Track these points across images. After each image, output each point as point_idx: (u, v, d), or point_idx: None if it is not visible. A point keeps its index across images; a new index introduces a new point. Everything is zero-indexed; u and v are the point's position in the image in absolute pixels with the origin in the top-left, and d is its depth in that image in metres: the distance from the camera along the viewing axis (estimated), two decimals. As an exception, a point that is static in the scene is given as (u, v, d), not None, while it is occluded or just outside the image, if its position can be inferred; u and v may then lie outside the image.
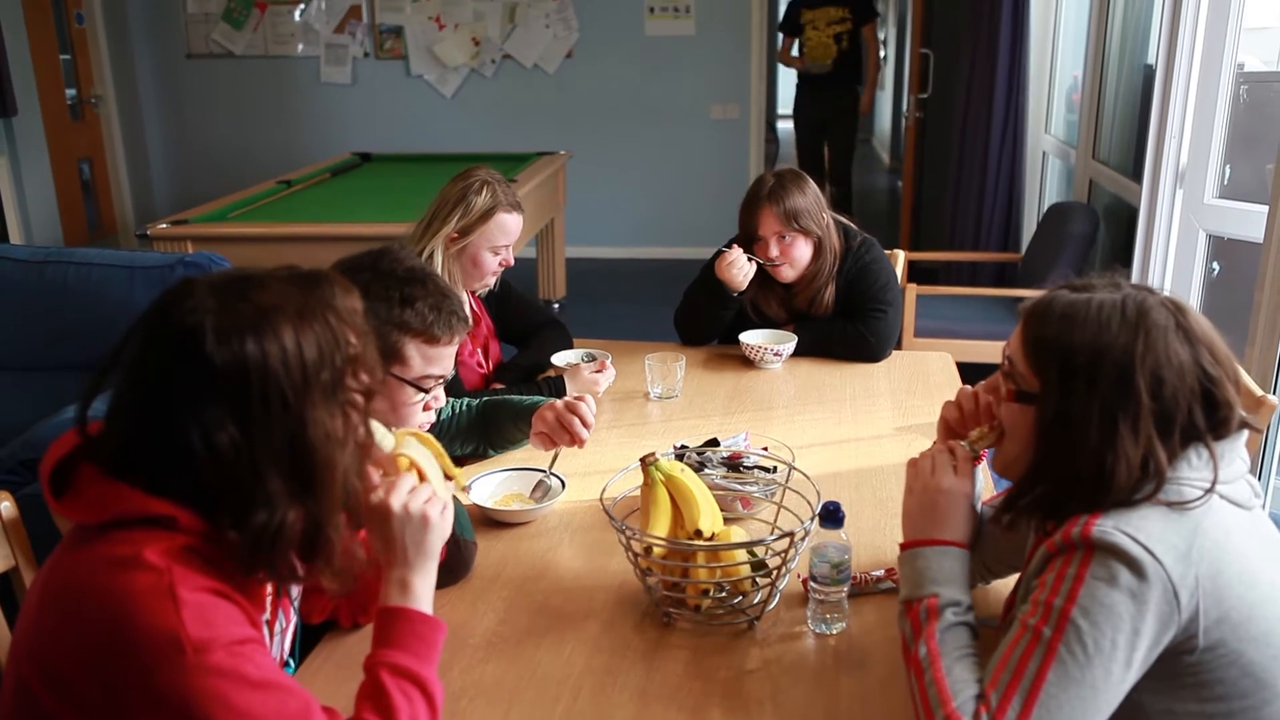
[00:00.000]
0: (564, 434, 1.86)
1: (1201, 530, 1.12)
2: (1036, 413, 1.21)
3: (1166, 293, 1.22)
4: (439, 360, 1.63)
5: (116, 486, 1.03)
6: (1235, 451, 1.20)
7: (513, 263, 2.43)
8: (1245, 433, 1.21)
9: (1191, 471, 1.16)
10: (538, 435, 1.91)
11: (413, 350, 1.60)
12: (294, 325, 1.04)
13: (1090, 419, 1.16)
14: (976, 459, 1.36)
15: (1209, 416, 1.17)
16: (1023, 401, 1.24)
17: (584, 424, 1.85)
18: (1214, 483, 1.15)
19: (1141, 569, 1.09)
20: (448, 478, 1.34)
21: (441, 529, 1.23)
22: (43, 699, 1.02)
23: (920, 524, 1.32)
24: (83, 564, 1.02)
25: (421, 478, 1.26)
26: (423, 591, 1.22)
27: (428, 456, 1.30)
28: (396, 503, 1.20)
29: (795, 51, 6.77)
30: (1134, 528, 1.11)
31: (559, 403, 1.90)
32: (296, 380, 1.03)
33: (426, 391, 1.63)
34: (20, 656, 1.06)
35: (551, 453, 1.92)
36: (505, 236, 2.37)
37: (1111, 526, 1.12)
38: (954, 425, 1.44)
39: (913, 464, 1.37)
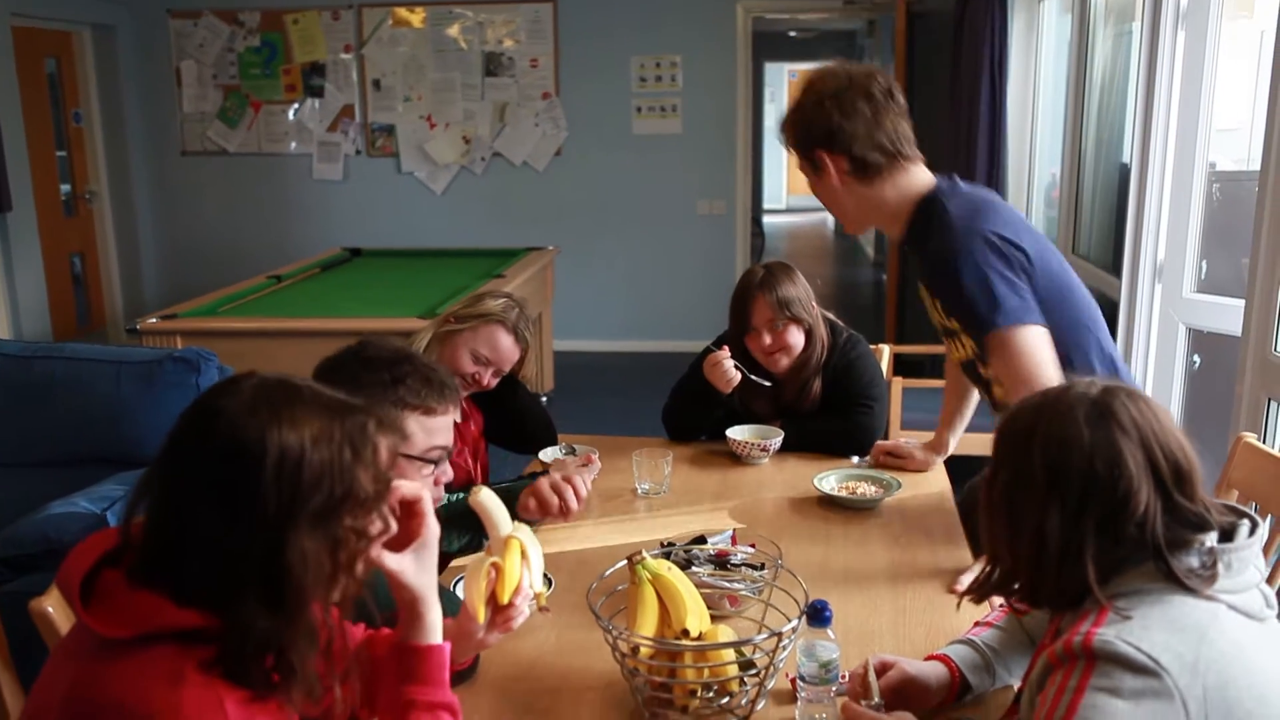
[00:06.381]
0: (554, 500, 1.93)
1: (1208, 640, 1.07)
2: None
3: (1134, 387, 1.22)
4: (439, 432, 1.69)
5: (143, 596, 1.01)
6: (1247, 559, 1.14)
7: (486, 384, 2.38)
8: (1259, 539, 1.16)
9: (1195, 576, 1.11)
10: (528, 501, 1.97)
11: (414, 425, 1.65)
12: (305, 443, 1.02)
13: (997, 486, 1.20)
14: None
15: (1107, 509, 1.12)
16: None
17: (576, 494, 1.93)
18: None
19: (1145, 679, 1.04)
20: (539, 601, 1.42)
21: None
22: None
23: None
24: (125, 678, 0.99)
25: (524, 557, 1.34)
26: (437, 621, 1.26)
27: (537, 550, 1.39)
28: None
29: None
30: (1136, 636, 1.07)
31: (555, 474, 1.97)
32: (285, 492, 1.01)
33: (435, 464, 1.68)
34: None
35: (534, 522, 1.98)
36: (490, 349, 2.35)
37: (1113, 635, 1.07)
38: None
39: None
